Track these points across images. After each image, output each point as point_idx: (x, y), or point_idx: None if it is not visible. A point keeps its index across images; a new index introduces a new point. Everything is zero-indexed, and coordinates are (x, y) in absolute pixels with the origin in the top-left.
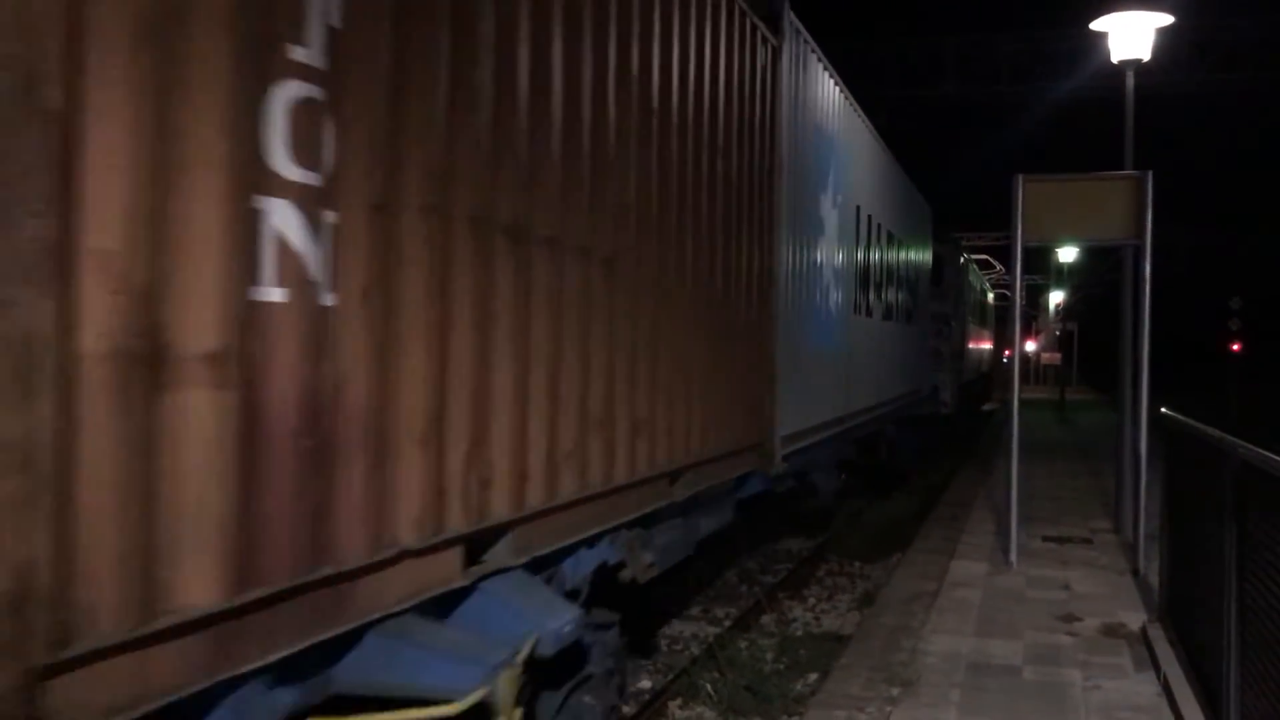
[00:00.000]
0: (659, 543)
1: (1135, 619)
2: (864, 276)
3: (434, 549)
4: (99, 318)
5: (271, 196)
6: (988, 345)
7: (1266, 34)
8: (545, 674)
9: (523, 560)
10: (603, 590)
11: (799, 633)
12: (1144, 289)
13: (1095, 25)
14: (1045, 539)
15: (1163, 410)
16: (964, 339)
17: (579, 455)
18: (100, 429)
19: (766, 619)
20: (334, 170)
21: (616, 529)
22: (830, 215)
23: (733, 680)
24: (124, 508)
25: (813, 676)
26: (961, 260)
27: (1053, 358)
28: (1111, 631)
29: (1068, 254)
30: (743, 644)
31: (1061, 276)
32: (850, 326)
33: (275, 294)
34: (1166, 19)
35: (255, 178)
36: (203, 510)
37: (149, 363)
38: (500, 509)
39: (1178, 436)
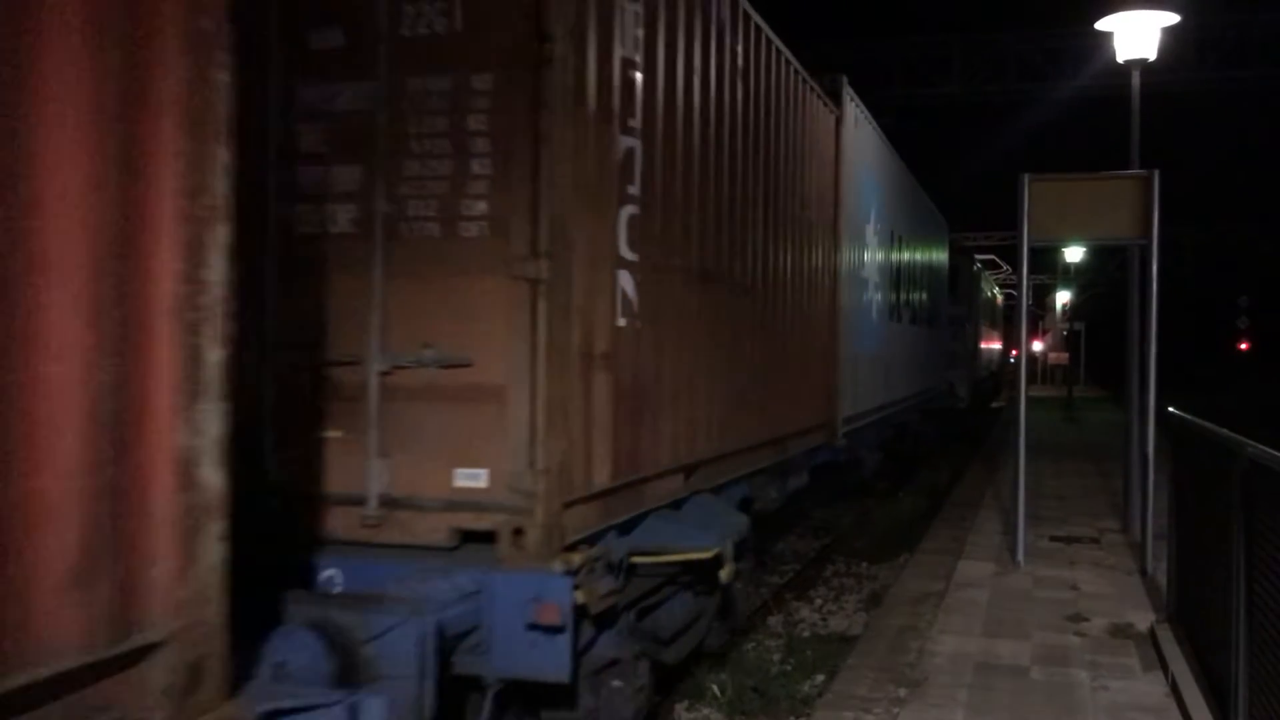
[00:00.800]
0: (772, 488)
1: (1143, 619)
2: (896, 287)
3: (674, 471)
4: (576, 337)
5: (621, 269)
6: (998, 345)
7: (1272, 31)
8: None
9: (709, 486)
10: None
11: (806, 634)
12: (1151, 288)
13: (1101, 25)
14: (1053, 539)
15: (1170, 409)
16: (977, 340)
17: (735, 420)
18: (577, 391)
19: (773, 620)
20: (641, 251)
21: (751, 475)
22: (873, 239)
23: (739, 681)
24: (582, 431)
25: (820, 677)
26: (974, 269)
27: (1060, 358)
28: (1119, 631)
29: (1074, 253)
30: (749, 645)
31: (1068, 276)
32: (887, 330)
33: (622, 321)
34: (1172, 18)
35: (616, 259)
36: (603, 436)
37: (588, 358)
38: (699, 451)
39: (1185, 435)
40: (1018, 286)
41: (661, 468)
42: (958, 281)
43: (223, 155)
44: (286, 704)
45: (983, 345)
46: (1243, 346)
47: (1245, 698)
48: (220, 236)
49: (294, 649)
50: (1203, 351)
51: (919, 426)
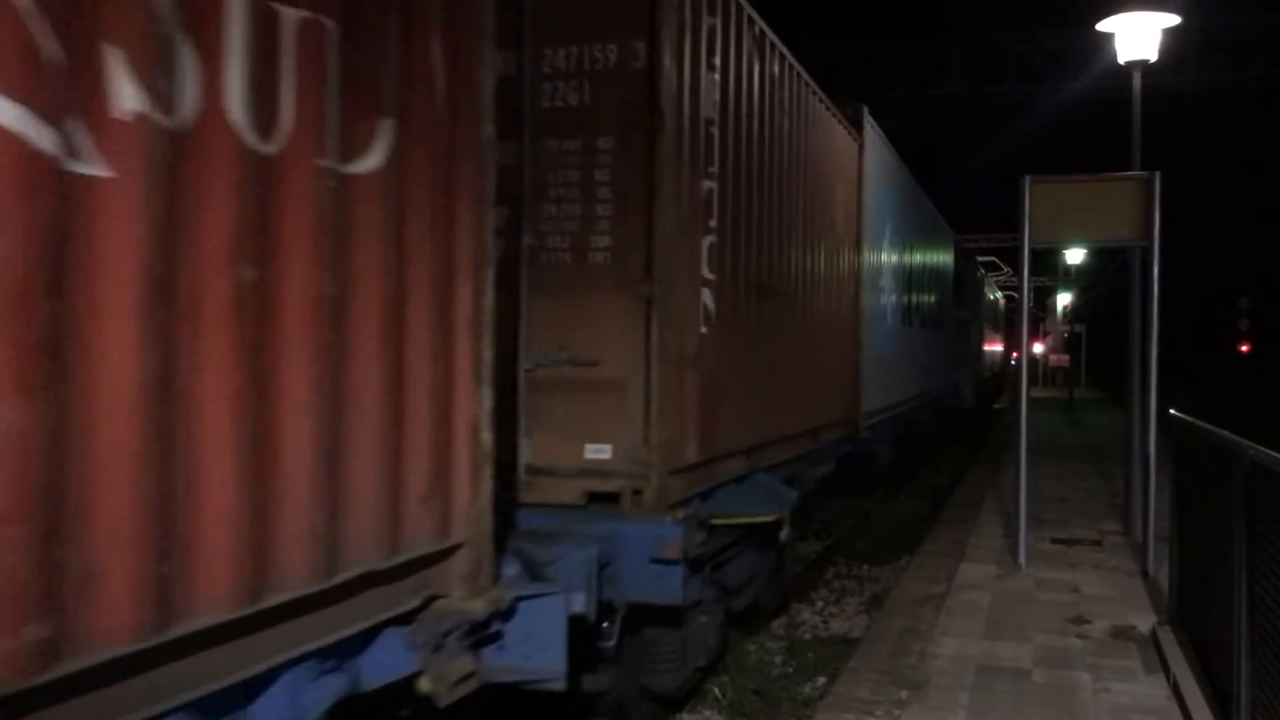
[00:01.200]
0: (810, 471)
1: (1145, 621)
2: (908, 293)
3: (738, 452)
4: (676, 342)
5: (704, 287)
6: (1000, 348)
7: (1273, 31)
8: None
9: (764, 466)
10: None
11: (807, 636)
12: (1151, 290)
13: (1102, 26)
14: (1054, 541)
15: (1171, 411)
16: (981, 343)
17: (782, 411)
18: (675, 384)
19: (775, 622)
20: (717, 271)
21: (794, 459)
22: (887, 250)
23: (741, 684)
24: (679, 417)
25: (821, 680)
26: (978, 274)
27: (1060, 360)
28: (1121, 634)
29: (1075, 255)
30: (751, 647)
31: (1069, 278)
32: (900, 333)
33: (704, 329)
34: (1173, 19)
35: (701, 279)
36: (692, 421)
37: (682, 359)
38: (756, 437)
39: (1186, 437)
40: (1019, 289)
41: (729, 449)
42: (962, 286)
43: (491, 218)
44: (529, 591)
45: (986, 347)
46: (1243, 348)
47: (1247, 699)
48: (490, 274)
49: (502, 566)
50: (1203, 353)
51: (926, 425)
